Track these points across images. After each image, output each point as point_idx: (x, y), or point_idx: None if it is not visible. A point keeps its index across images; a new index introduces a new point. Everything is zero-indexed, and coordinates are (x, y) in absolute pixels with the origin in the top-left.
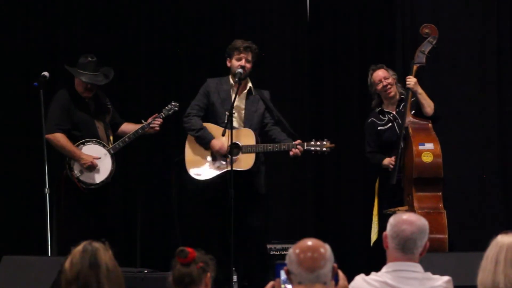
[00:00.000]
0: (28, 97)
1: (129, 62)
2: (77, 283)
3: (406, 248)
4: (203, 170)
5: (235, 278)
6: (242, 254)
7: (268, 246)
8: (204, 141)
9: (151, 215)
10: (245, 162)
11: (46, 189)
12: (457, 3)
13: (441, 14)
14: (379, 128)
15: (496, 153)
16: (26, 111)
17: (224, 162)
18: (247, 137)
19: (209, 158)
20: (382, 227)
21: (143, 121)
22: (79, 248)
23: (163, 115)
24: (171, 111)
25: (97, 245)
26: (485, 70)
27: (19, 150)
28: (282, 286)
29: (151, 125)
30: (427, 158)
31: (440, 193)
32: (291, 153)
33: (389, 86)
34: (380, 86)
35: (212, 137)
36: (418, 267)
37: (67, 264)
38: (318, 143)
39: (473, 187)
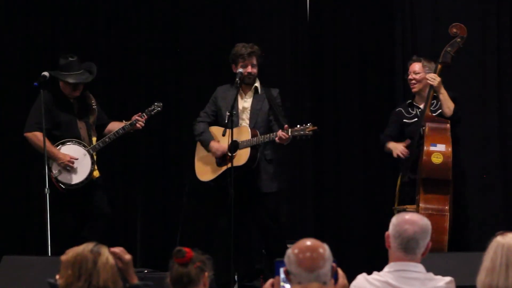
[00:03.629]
0: (28, 97)
1: (129, 62)
2: (73, 265)
3: (408, 248)
4: (208, 171)
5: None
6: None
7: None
8: (205, 144)
9: (151, 215)
10: (241, 157)
11: (46, 189)
12: (457, 3)
13: (441, 14)
14: (404, 120)
15: (496, 153)
16: (26, 111)
17: (224, 161)
18: (243, 133)
19: (213, 160)
20: None
21: (124, 121)
22: (81, 245)
23: (145, 115)
24: (154, 111)
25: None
26: (485, 70)
27: (19, 150)
28: (282, 284)
29: (134, 125)
30: (436, 159)
31: (448, 196)
32: (276, 139)
33: (413, 81)
34: (408, 78)
35: (212, 139)
36: (420, 267)
37: (69, 252)
38: (301, 127)
39: (473, 187)
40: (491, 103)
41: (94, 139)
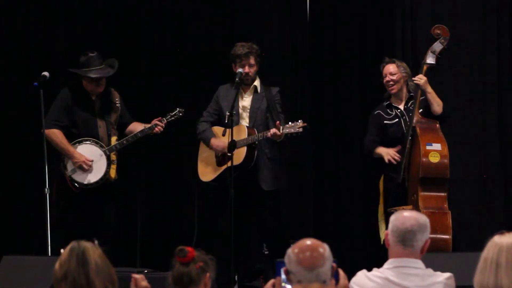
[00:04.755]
0: (28, 97)
1: (129, 63)
2: (65, 281)
3: (406, 240)
4: (209, 172)
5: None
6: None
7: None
8: (206, 142)
9: (151, 215)
10: (238, 156)
11: (46, 189)
12: (457, 3)
13: (441, 14)
14: (385, 122)
15: (496, 153)
16: (26, 111)
17: (224, 161)
18: (241, 132)
19: (214, 160)
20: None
21: (144, 125)
22: (67, 248)
23: (166, 120)
24: (175, 116)
25: (84, 243)
26: (485, 70)
27: (19, 150)
28: (283, 284)
29: (153, 129)
30: (434, 158)
31: (445, 194)
32: (269, 134)
33: (391, 83)
34: (384, 80)
35: (212, 136)
36: (419, 263)
37: (56, 265)
38: (292, 124)
39: (473, 187)
40: (491, 103)
41: (114, 138)
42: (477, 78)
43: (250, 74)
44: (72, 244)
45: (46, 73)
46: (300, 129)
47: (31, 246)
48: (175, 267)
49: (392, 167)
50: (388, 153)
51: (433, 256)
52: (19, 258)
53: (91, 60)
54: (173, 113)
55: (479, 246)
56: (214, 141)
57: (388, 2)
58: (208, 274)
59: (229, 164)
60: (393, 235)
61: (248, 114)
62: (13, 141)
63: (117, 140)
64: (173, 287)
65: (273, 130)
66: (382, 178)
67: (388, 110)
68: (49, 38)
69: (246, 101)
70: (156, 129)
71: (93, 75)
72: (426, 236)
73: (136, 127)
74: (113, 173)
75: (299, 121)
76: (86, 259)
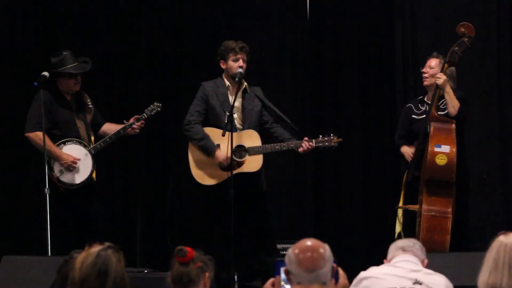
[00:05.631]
0: (28, 97)
1: (129, 62)
2: None
3: (405, 246)
4: (210, 175)
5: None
6: (253, 253)
7: (279, 246)
8: (208, 151)
9: (151, 215)
10: (253, 164)
11: (46, 189)
12: (457, 3)
13: (441, 14)
14: (413, 116)
15: (496, 153)
16: (26, 111)
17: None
18: (251, 139)
19: (214, 162)
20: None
21: (124, 121)
22: (94, 251)
23: (145, 116)
24: (154, 111)
25: (111, 255)
26: (485, 70)
27: (19, 150)
28: (282, 283)
29: (133, 126)
30: (441, 161)
31: (450, 198)
32: (300, 149)
33: (425, 75)
34: (422, 70)
35: (216, 147)
36: (419, 262)
37: (78, 264)
38: (326, 138)
39: (473, 187)
40: (491, 103)
41: (92, 138)
42: (477, 78)
43: (243, 68)
44: (101, 249)
45: (46, 73)
46: (336, 144)
47: (31, 246)
48: (174, 267)
49: (410, 164)
50: (406, 152)
51: (433, 256)
52: (19, 258)
53: (66, 58)
54: (151, 108)
55: (478, 246)
56: (219, 155)
57: (388, 2)
58: (207, 274)
59: (236, 169)
60: (392, 250)
61: (239, 114)
62: (13, 141)
63: (94, 140)
64: (173, 287)
65: (306, 144)
66: (406, 173)
67: (419, 105)
68: (49, 38)
69: (237, 101)
70: (134, 126)
71: (74, 71)
72: (424, 254)
73: (110, 127)
74: (93, 173)
75: (331, 135)
76: (107, 273)
